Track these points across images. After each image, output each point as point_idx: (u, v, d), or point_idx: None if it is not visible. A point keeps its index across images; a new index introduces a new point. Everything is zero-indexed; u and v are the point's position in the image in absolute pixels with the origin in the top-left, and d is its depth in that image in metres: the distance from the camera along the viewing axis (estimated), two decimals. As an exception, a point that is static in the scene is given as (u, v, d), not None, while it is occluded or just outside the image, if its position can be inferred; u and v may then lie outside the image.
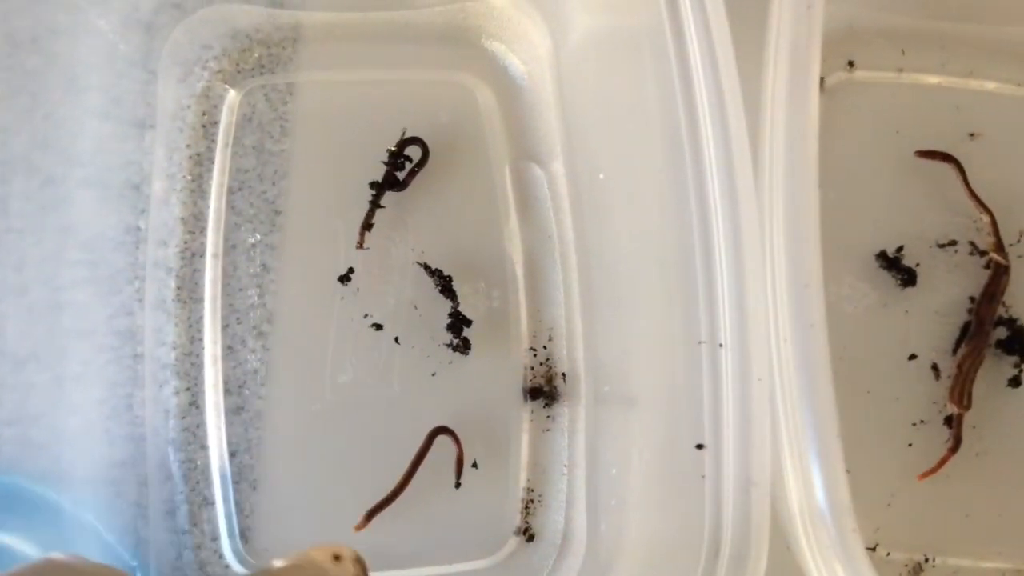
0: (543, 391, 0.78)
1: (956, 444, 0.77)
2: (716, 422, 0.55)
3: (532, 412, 0.78)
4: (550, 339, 0.79)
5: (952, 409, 0.77)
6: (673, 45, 0.61)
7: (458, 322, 0.77)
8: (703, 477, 0.55)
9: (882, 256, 0.81)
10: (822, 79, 0.83)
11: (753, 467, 0.53)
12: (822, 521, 0.54)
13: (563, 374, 0.79)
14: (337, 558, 0.53)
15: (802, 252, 0.56)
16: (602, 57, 0.74)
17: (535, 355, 0.79)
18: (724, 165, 0.57)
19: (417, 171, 0.79)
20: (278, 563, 0.53)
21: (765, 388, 0.54)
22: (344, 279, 0.77)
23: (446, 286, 0.77)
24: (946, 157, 0.82)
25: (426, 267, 0.78)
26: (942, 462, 0.76)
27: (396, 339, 0.77)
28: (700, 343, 0.56)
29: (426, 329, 0.78)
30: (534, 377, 0.78)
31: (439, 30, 0.83)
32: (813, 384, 0.55)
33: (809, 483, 0.54)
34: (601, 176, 0.76)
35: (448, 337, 0.78)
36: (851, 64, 0.86)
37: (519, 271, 0.80)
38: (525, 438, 0.78)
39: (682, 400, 0.59)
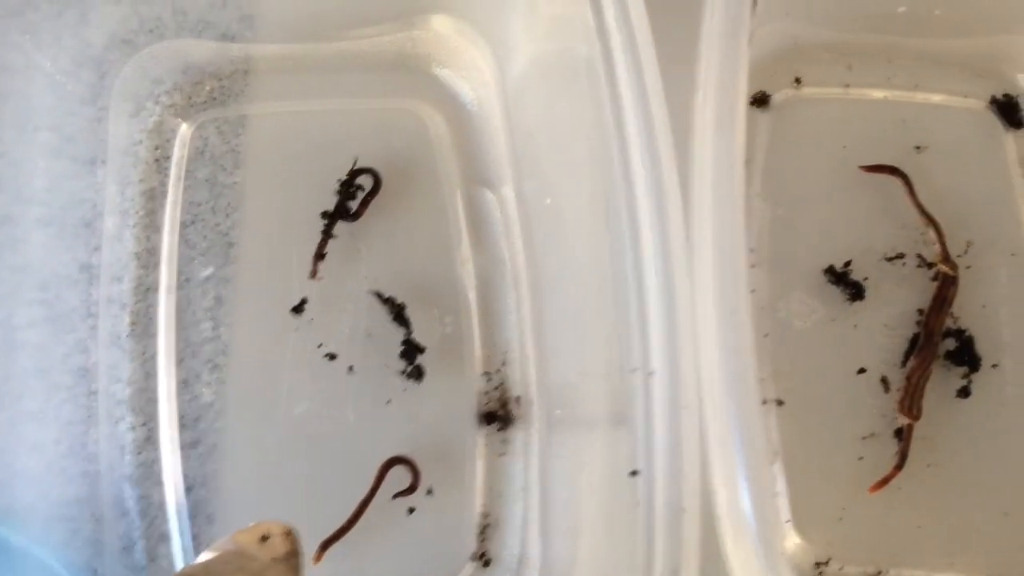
0: (497, 415, 0.79)
1: (903, 457, 0.77)
2: (649, 449, 0.56)
3: (487, 437, 0.79)
4: (504, 363, 0.80)
5: (902, 420, 0.78)
6: (604, 74, 0.61)
7: (411, 349, 0.78)
8: (638, 503, 0.56)
9: (830, 271, 0.82)
10: (769, 96, 0.84)
11: (684, 494, 0.54)
12: (753, 545, 0.54)
13: (517, 398, 0.80)
14: (265, 538, 0.53)
15: (729, 279, 0.57)
16: (545, 83, 0.75)
17: (489, 379, 0.80)
18: (654, 192, 0.58)
19: (369, 200, 0.80)
20: (203, 556, 0.52)
21: (695, 415, 0.55)
22: (297, 310, 0.78)
23: (399, 314, 0.78)
24: (892, 170, 0.84)
25: (379, 295, 0.79)
26: (891, 475, 0.77)
27: (350, 368, 0.78)
28: (633, 370, 0.57)
29: (380, 357, 0.79)
30: (488, 402, 0.79)
31: (388, 59, 0.84)
32: (741, 410, 0.56)
33: (739, 508, 0.54)
34: (548, 201, 0.77)
35: (402, 364, 0.78)
36: (798, 81, 0.87)
37: (472, 296, 0.81)
38: (480, 463, 0.79)
39: (621, 426, 0.60)
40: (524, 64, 0.79)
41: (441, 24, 0.83)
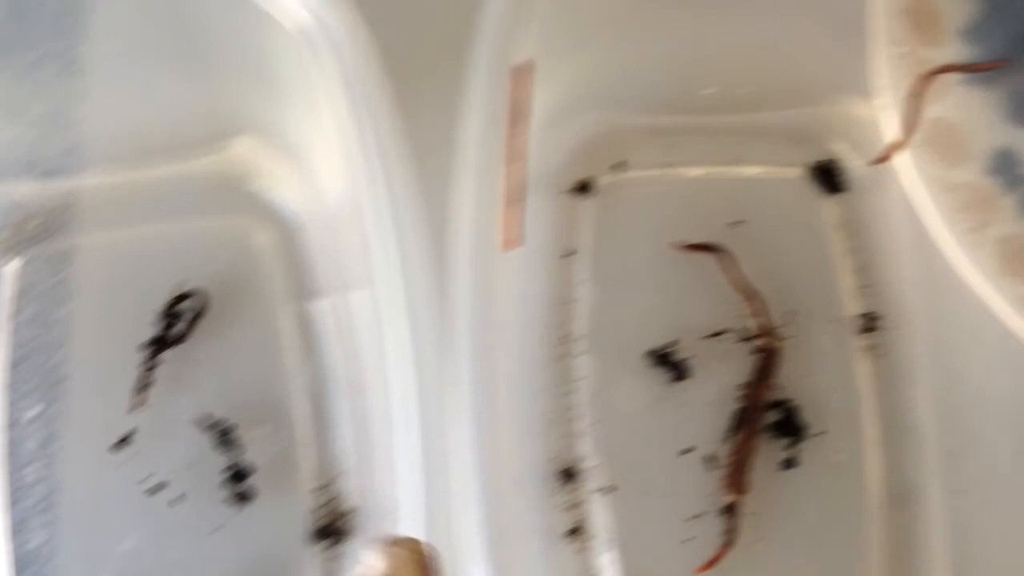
0: (331, 530, 0.80)
1: (732, 534, 0.79)
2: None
3: (321, 554, 0.80)
4: (338, 476, 0.81)
5: (728, 497, 0.80)
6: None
7: (241, 472, 0.80)
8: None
9: (653, 354, 0.84)
10: (593, 182, 0.86)
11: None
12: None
13: (351, 510, 0.81)
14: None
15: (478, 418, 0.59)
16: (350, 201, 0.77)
17: (323, 493, 0.81)
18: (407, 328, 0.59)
19: (195, 322, 0.82)
20: None
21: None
22: (125, 442, 0.80)
23: (228, 436, 0.80)
24: (710, 248, 0.85)
25: (208, 418, 0.80)
26: (719, 554, 0.79)
27: (181, 497, 0.80)
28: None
29: (210, 483, 0.81)
30: (322, 517, 0.81)
31: (211, 179, 0.86)
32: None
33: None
34: (364, 311, 0.79)
35: (232, 488, 0.79)
36: (621, 164, 0.89)
37: (304, 409, 0.83)
38: (313, 580, 0.80)
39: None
40: (335, 179, 0.80)
41: (250, 145, 0.84)
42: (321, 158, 0.79)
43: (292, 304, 0.85)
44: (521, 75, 0.69)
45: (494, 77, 0.66)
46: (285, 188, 0.86)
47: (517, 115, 0.68)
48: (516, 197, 0.67)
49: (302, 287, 0.85)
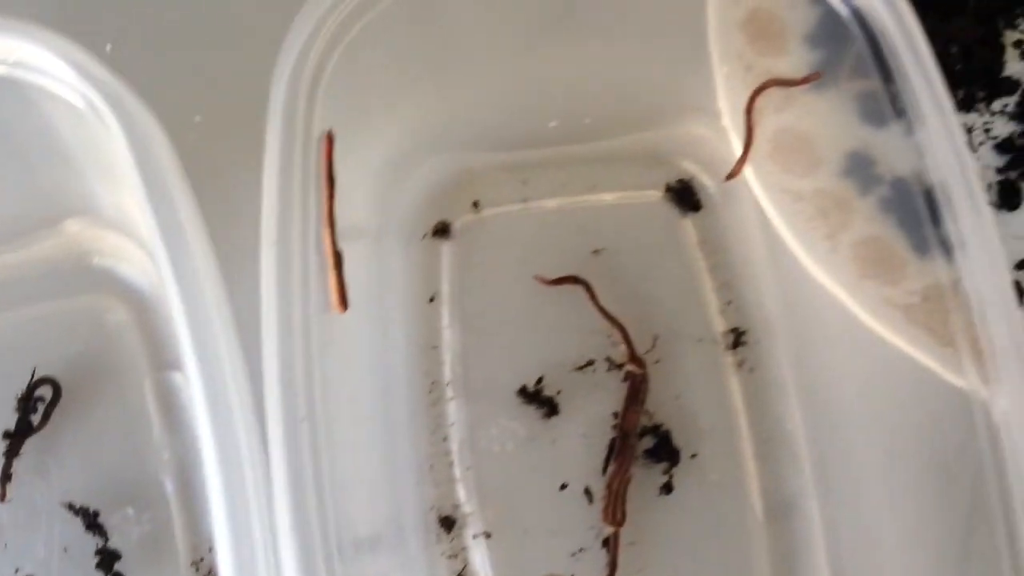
0: None
1: (613, 566, 0.78)
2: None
3: (204, 629, 0.78)
4: (210, 549, 0.80)
5: (608, 529, 0.79)
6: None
7: (108, 557, 0.78)
8: None
9: (523, 392, 0.83)
10: (449, 224, 0.86)
11: None
12: None
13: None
14: None
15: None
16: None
17: (197, 569, 0.79)
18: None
19: (51, 410, 0.80)
20: None
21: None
22: (-14, 538, 0.77)
23: (92, 522, 0.78)
24: (571, 280, 0.85)
25: (71, 506, 0.78)
26: None
27: (50, 587, 0.77)
28: None
29: (79, 571, 0.78)
30: (200, 592, 0.78)
31: (55, 261, 0.85)
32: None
33: None
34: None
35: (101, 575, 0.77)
36: (476, 204, 0.89)
37: (170, 486, 0.81)
38: (194, 656, 0.77)
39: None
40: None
41: (84, 224, 0.83)
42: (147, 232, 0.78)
43: (152, 379, 0.84)
44: (324, 144, 0.68)
45: (289, 147, 0.65)
46: (132, 264, 0.84)
47: (327, 180, 0.67)
48: (336, 260, 0.67)
49: (161, 360, 0.84)
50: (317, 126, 0.69)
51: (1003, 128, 0.92)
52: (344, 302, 0.67)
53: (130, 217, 0.79)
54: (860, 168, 0.82)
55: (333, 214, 0.67)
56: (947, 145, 0.67)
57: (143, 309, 0.84)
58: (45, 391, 0.82)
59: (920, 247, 0.79)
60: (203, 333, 0.62)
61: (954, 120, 0.67)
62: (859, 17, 0.71)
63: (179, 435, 0.81)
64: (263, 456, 0.61)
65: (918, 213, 0.78)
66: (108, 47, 0.82)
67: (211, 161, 0.72)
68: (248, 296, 0.65)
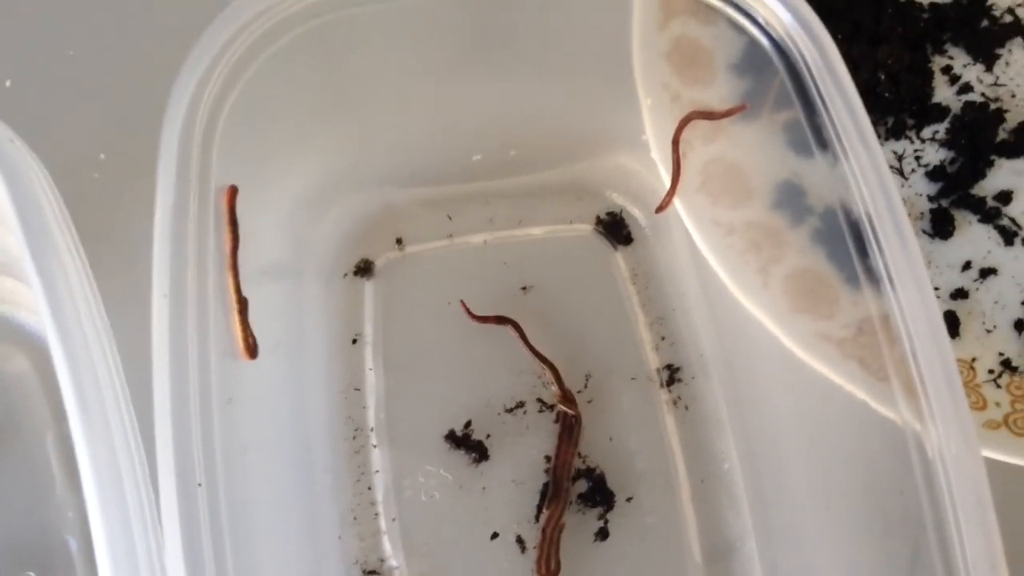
0: None
1: (548, 617, 0.74)
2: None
3: None
4: (119, 611, 0.73)
5: None
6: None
7: (8, 625, 0.71)
8: None
9: (451, 436, 0.79)
10: (372, 263, 0.82)
11: None
12: None
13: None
14: None
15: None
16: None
17: (105, 633, 0.73)
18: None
19: None
20: None
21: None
22: None
23: (-11, 588, 0.72)
24: (500, 319, 0.81)
25: (-34, 571, 0.72)
26: None
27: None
28: None
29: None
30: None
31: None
32: None
33: None
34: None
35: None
36: (399, 241, 0.85)
37: (74, 546, 0.75)
38: None
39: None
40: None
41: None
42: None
43: (54, 431, 0.78)
44: (226, 194, 0.64)
45: (183, 193, 0.61)
46: (29, 310, 0.78)
47: (230, 230, 0.63)
48: (241, 307, 0.62)
49: (63, 411, 0.77)
50: (216, 167, 0.64)
51: (934, 155, 0.91)
52: (251, 349, 0.63)
53: (20, 260, 0.73)
54: (791, 199, 0.80)
55: (236, 260, 0.63)
56: (872, 177, 0.65)
57: (43, 357, 0.78)
58: (-63, 449, 0.74)
59: (852, 279, 0.77)
60: (87, 393, 0.57)
61: (878, 151, 0.65)
62: (780, 47, 0.69)
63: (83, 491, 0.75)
64: (156, 530, 0.56)
65: (847, 245, 0.76)
66: (7, 83, 0.77)
67: (99, 214, 0.67)
68: (141, 355, 0.60)
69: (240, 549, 0.57)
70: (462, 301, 0.82)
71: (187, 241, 0.59)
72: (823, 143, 0.75)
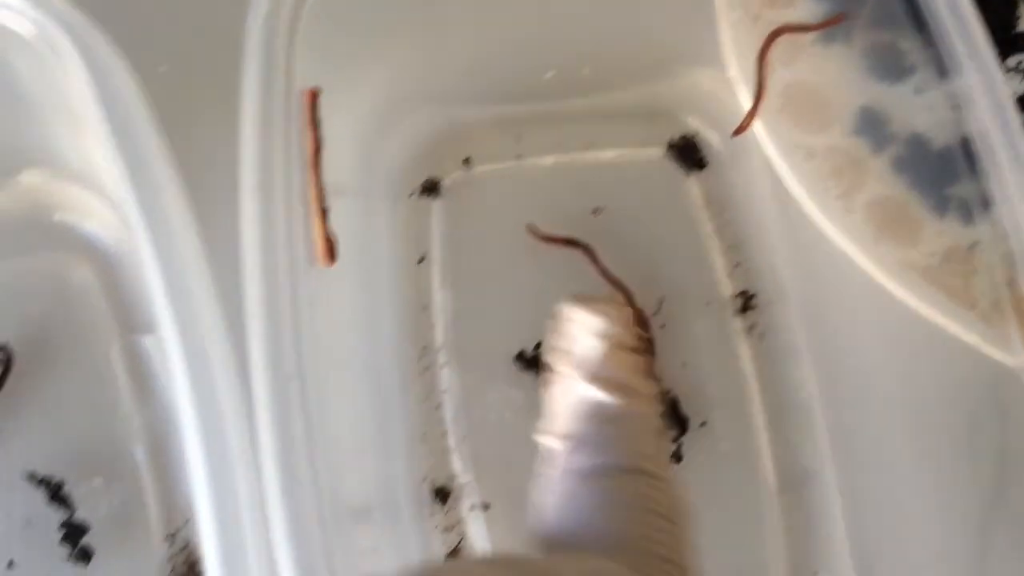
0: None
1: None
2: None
3: (180, 607, 0.71)
4: (186, 521, 0.73)
5: None
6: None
7: (74, 531, 0.71)
8: None
9: (520, 357, 0.78)
10: (438, 182, 0.80)
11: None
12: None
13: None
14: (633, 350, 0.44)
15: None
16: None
17: (172, 543, 0.73)
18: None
19: (5, 376, 0.72)
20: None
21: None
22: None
23: (56, 494, 0.72)
24: (569, 242, 0.79)
25: (33, 476, 0.72)
26: None
27: (10, 564, 0.71)
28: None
29: (43, 546, 0.72)
30: (174, 567, 0.72)
31: (12, 216, 0.78)
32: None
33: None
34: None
35: (67, 550, 0.71)
36: (467, 161, 0.83)
37: (141, 455, 0.74)
38: (169, 637, 0.71)
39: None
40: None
41: (43, 176, 0.75)
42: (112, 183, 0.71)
43: (120, 343, 0.77)
44: (307, 96, 0.65)
45: (268, 90, 0.59)
46: (96, 219, 0.77)
47: (312, 133, 0.60)
48: (322, 210, 0.60)
49: (129, 323, 0.77)
50: (296, 70, 0.62)
51: (1019, 86, 0.87)
52: (332, 255, 0.61)
53: (94, 168, 0.72)
54: (872, 125, 0.78)
55: (319, 163, 0.61)
56: (987, 96, 0.61)
57: (109, 268, 0.77)
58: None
59: (939, 207, 0.76)
60: (179, 290, 0.57)
61: (996, 68, 0.61)
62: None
63: (150, 402, 0.75)
64: (247, 421, 0.54)
65: (935, 172, 0.75)
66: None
67: (180, 109, 0.64)
68: (224, 251, 0.58)
69: (326, 449, 0.55)
70: (528, 226, 0.82)
71: (274, 135, 0.57)
72: (908, 68, 0.75)
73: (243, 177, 0.57)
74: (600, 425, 0.45)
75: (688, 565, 0.42)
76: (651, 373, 0.50)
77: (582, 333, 0.47)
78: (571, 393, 0.46)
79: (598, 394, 0.45)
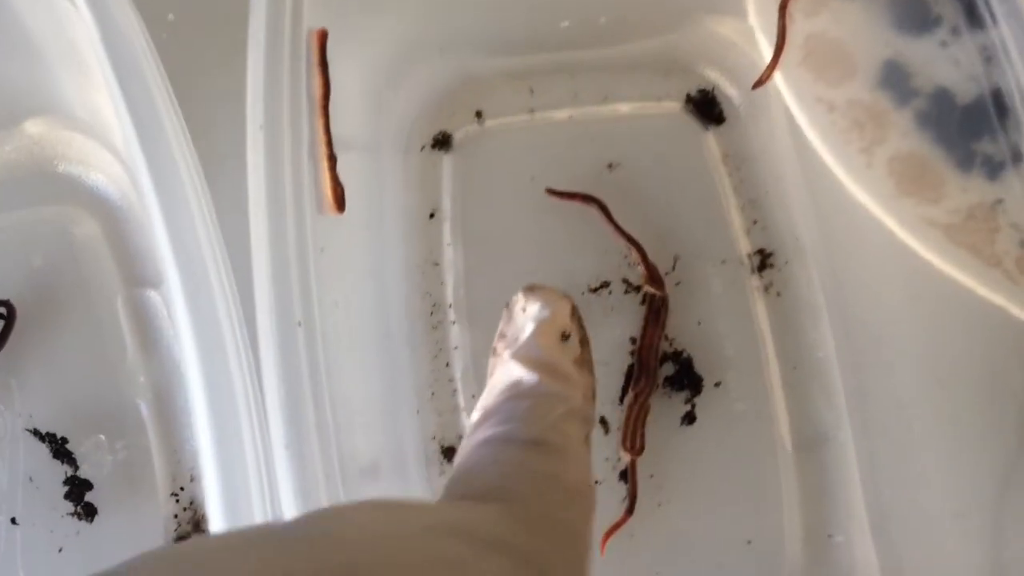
0: (191, 538, 0.70)
1: (633, 498, 0.71)
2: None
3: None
4: (191, 479, 0.72)
5: (625, 460, 0.71)
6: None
7: (77, 487, 0.70)
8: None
9: (533, 315, 0.74)
10: (450, 135, 0.78)
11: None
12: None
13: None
14: (565, 336, 0.48)
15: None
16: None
17: (177, 500, 0.71)
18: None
19: (8, 331, 0.71)
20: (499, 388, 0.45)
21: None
22: (-60, 468, 0.69)
23: (59, 449, 0.70)
24: (585, 197, 0.77)
25: (35, 432, 0.70)
26: (620, 521, 0.74)
27: (13, 520, 0.69)
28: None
29: (46, 502, 0.71)
30: (180, 525, 0.71)
31: (16, 167, 0.75)
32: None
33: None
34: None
35: (70, 506, 0.69)
36: (479, 114, 0.80)
37: (146, 411, 0.73)
38: (175, 596, 0.69)
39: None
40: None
41: (47, 125, 0.73)
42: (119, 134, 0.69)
43: (124, 296, 0.75)
44: (316, 37, 0.63)
45: (275, 29, 0.56)
46: (101, 170, 0.75)
47: (320, 76, 0.58)
48: (331, 157, 0.58)
49: (134, 276, 0.75)
50: (304, 17, 0.60)
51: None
52: (340, 203, 0.59)
53: (100, 117, 0.70)
54: (895, 79, 0.76)
55: (327, 107, 0.59)
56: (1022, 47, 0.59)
57: (113, 220, 0.75)
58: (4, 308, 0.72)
59: (963, 163, 0.74)
60: (186, 243, 0.55)
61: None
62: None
63: (155, 356, 0.73)
64: (254, 377, 0.52)
65: (959, 128, 0.73)
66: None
67: (188, 59, 0.63)
68: (232, 204, 0.57)
69: (333, 400, 0.53)
70: (548, 189, 0.78)
71: (280, 82, 0.55)
72: (933, 20, 0.73)
73: (249, 119, 0.55)
74: (514, 400, 0.44)
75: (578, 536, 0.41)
76: (586, 364, 0.49)
77: (519, 315, 0.47)
78: (498, 370, 0.46)
79: (518, 369, 0.45)
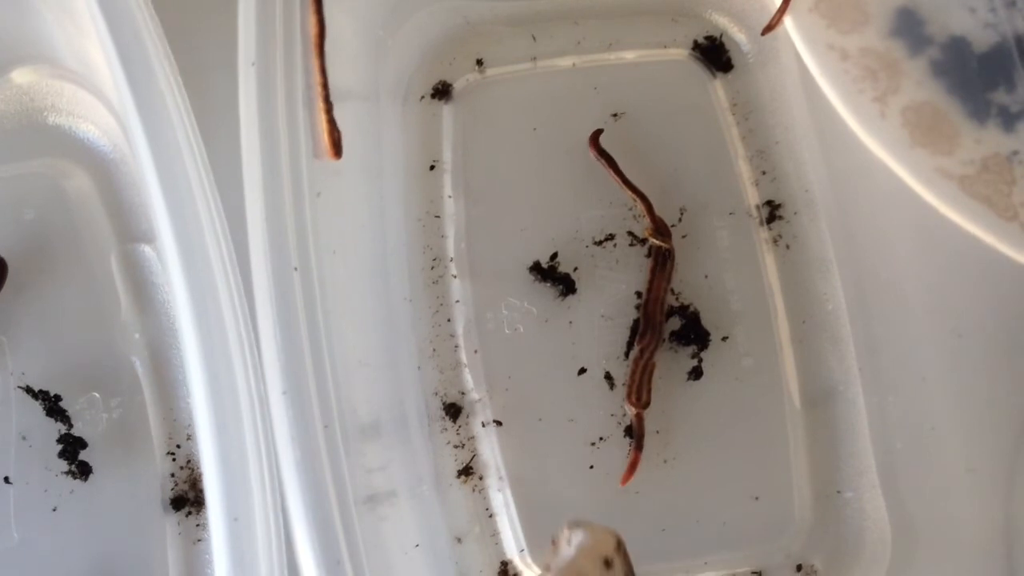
0: (187, 498, 0.69)
1: (640, 443, 0.70)
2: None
3: (179, 524, 0.69)
4: (188, 438, 0.70)
5: (630, 416, 0.70)
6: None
7: (71, 445, 0.69)
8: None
9: (536, 268, 0.74)
10: (450, 85, 0.75)
11: None
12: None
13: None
14: (608, 563, 0.50)
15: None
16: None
17: (174, 459, 0.70)
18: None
19: None
20: None
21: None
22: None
23: (52, 407, 0.69)
24: (600, 152, 0.74)
25: (28, 390, 0.68)
26: (634, 460, 0.74)
27: (6, 479, 0.68)
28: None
29: (40, 460, 0.70)
30: (176, 484, 0.69)
31: (5, 116, 0.74)
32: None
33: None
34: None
35: (64, 464, 0.68)
36: (480, 63, 0.78)
37: (141, 369, 0.71)
38: (172, 554, 0.69)
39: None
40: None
41: (36, 74, 0.71)
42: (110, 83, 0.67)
43: (118, 251, 0.73)
44: None
45: None
46: (93, 122, 0.73)
47: (315, 15, 0.55)
48: (327, 100, 0.55)
49: (128, 231, 0.73)
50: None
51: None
52: (337, 148, 0.56)
53: (91, 66, 0.67)
54: (909, 26, 0.74)
55: (322, 48, 0.56)
56: None
57: (106, 173, 0.73)
58: (-3, 264, 0.69)
59: (978, 114, 0.72)
60: (179, 197, 0.53)
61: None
62: None
63: (151, 312, 0.72)
64: (250, 326, 0.50)
65: (976, 77, 0.71)
66: None
67: (180, 5, 0.60)
68: (226, 156, 0.57)
69: (331, 350, 0.51)
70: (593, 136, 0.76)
71: (274, 14, 0.52)
72: None
73: (241, 55, 0.52)
74: None
75: None
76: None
77: (564, 548, 0.48)
78: None
79: None
